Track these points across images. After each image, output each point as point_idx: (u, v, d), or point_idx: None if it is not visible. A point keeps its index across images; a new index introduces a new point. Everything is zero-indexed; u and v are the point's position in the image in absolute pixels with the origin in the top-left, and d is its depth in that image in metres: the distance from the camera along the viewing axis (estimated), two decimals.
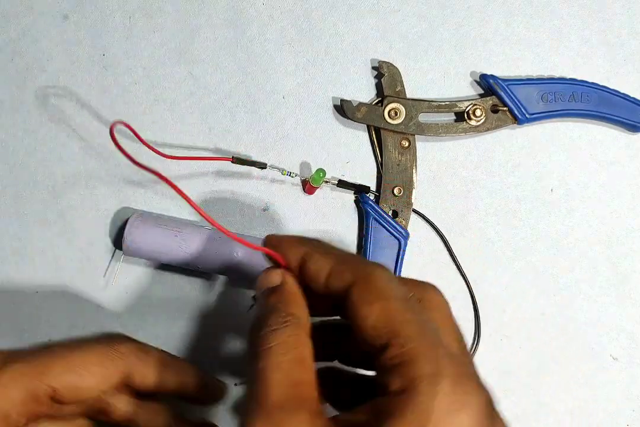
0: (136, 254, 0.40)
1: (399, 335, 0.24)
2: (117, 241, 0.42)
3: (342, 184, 0.43)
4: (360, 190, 0.43)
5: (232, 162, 0.40)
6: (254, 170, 0.43)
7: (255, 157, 0.43)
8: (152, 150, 0.38)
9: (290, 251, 0.29)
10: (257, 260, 0.39)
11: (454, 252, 0.43)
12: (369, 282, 0.26)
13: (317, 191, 0.43)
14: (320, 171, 0.41)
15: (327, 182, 0.42)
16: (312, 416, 0.24)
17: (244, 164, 0.41)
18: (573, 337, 0.43)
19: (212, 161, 0.42)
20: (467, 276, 0.43)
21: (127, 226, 0.39)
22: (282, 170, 0.42)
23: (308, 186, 0.42)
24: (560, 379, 0.43)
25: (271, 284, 0.29)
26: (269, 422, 0.24)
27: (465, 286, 0.43)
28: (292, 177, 0.42)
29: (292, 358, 0.26)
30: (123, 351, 0.33)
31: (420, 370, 0.23)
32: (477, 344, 0.43)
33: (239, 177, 0.43)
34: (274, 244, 0.30)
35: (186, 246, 0.39)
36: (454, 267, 0.43)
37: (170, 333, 0.42)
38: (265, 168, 0.41)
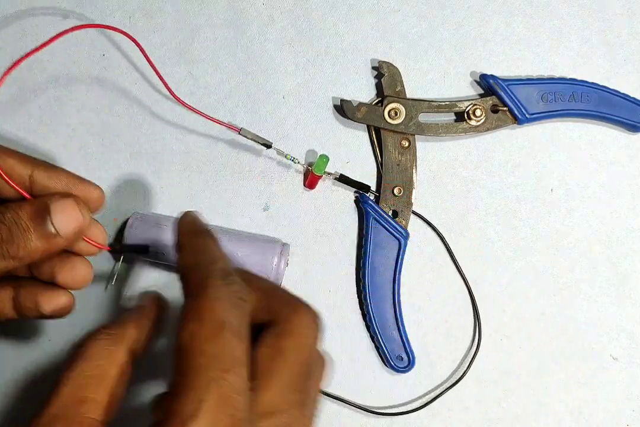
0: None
1: (184, 365, 0.23)
2: (117, 242, 0.42)
3: (343, 179, 0.43)
4: (360, 188, 0.43)
5: (239, 133, 0.41)
6: (256, 161, 0.43)
7: (254, 157, 0.43)
8: (162, 81, 0.40)
9: (177, 236, 0.28)
10: (256, 259, 0.39)
11: (454, 253, 0.43)
12: (197, 298, 0.25)
13: (317, 189, 0.43)
14: (324, 157, 0.41)
15: (329, 174, 0.42)
16: None
17: (249, 138, 0.41)
18: (573, 337, 0.43)
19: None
20: (466, 276, 0.43)
21: (127, 227, 0.39)
22: (286, 155, 0.42)
23: (310, 177, 0.42)
24: (560, 379, 0.43)
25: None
26: None
27: (464, 285, 0.43)
28: (296, 162, 0.42)
29: (91, 374, 0.25)
30: None
31: (181, 407, 0.22)
32: (477, 344, 0.43)
33: (240, 169, 0.43)
34: (181, 219, 0.29)
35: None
36: (454, 267, 0.43)
37: (170, 331, 0.42)
38: (271, 147, 0.41)
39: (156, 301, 0.30)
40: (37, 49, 0.34)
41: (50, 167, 0.32)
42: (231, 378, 0.23)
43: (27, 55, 0.33)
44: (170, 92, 0.40)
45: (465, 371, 0.42)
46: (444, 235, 0.43)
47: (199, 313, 0.24)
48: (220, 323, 0.23)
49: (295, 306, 0.27)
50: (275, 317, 0.26)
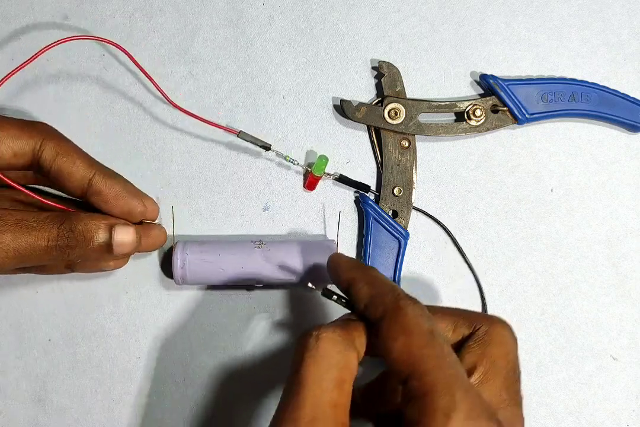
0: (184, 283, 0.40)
1: (417, 369, 0.25)
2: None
3: (343, 179, 0.43)
4: (360, 188, 0.43)
5: (238, 136, 0.41)
6: (256, 162, 0.43)
7: (254, 158, 0.43)
8: (158, 89, 0.40)
9: (339, 275, 0.32)
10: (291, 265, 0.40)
11: (460, 245, 0.43)
12: (397, 316, 0.27)
13: (317, 189, 0.43)
14: (323, 157, 0.41)
15: (328, 175, 0.42)
16: None
17: (248, 141, 0.41)
18: (573, 337, 0.43)
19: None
20: (466, 275, 0.43)
21: (176, 271, 0.39)
22: (285, 156, 0.42)
23: (309, 179, 0.42)
24: (560, 379, 0.43)
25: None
26: None
27: (464, 285, 0.43)
28: (295, 164, 0.42)
29: (334, 378, 0.26)
30: (40, 125, 0.36)
31: (436, 402, 0.24)
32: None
33: (240, 169, 0.43)
34: (334, 260, 0.33)
35: (227, 274, 0.40)
36: (453, 267, 0.43)
37: (172, 332, 0.42)
38: (270, 149, 0.41)
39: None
40: (26, 63, 0.36)
41: (110, 174, 0.37)
42: (461, 374, 0.25)
43: (15, 70, 0.36)
44: (165, 97, 0.40)
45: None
46: (446, 231, 0.43)
47: (407, 328, 0.27)
48: (430, 332, 0.26)
49: (491, 319, 0.31)
50: (475, 331, 0.30)
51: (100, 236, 0.34)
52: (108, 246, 0.35)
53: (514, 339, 0.30)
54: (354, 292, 0.30)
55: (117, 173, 0.38)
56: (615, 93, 0.44)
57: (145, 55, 0.43)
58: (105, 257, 0.36)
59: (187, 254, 0.39)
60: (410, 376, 0.25)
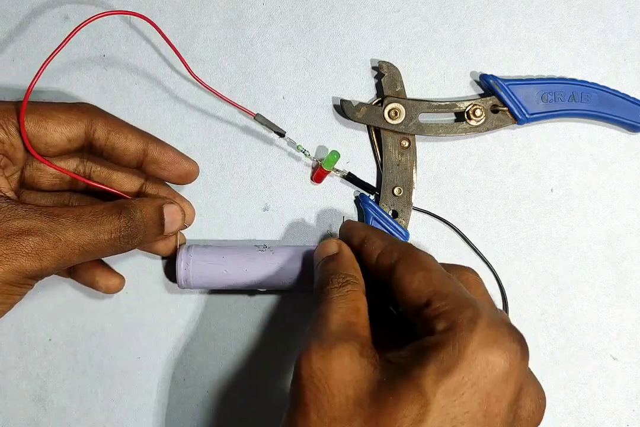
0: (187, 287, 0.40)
1: (439, 293, 0.30)
2: None
3: (350, 178, 0.43)
4: (365, 189, 0.43)
5: (255, 118, 0.41)
6: (257, 161, 0.43)
7: (254, 158, 0.43)
8: (178, 55, 0.40)
9: (354, 233, 0.36)
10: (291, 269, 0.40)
11: (467, 237, 0.43)
12: (413, 258, 0.32)
13: (317, 191, 0.43)
14: (335, 153, 0.41)
15: (337, 171, 0.42)
16: (362, 346, 0.29)
17: (264, 124, 0.41)
18: (573, 337, 0.43)
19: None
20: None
21: (180, 271, 0.39)
22: (297, 146, 0.42)
23: (318, 172, 0.42)
24: (560, 379, 0.43)
25: (329, 252, 0.36)
26: (324, 344, 0.29)
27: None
28: (307, 155, 0.42)
29: (349, 306, 0.32)
30: (84, 106, 0.36)
31: (462, 314, 0.28)
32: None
33: (240, 169, 0.43)
34: (348, 224, 0.38)
35: (230, 277, 0.39)
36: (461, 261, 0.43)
37: (175, 336, 0.42)
38: (284, 136, 0.42)
39: (344, 245, 0.37)
40: (62, 45, 0.36)
41: (160, 143, 0.38)
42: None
43: (53, 54, 0.36)
44: (188, 70, 0.40)
45: None
46: (454, 229, 0.43)
47: (424, 265, 0.32)
48: (442, 270, 0.32)
49: (461, 268, 0.35)
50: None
51: (156, 220, 0.36)
52: (160, 227, 0.36)
53: (482, 281, 0.34)
54: (367, 246, 0.35)
55: (164, 141, 0.39)
56: (615, 93, 0.44)
57: (145, 55, 0.43)
58: (156, 239, 0.37)
59: (191, 256, 0.39)
60: (433, 299, 0.29)
